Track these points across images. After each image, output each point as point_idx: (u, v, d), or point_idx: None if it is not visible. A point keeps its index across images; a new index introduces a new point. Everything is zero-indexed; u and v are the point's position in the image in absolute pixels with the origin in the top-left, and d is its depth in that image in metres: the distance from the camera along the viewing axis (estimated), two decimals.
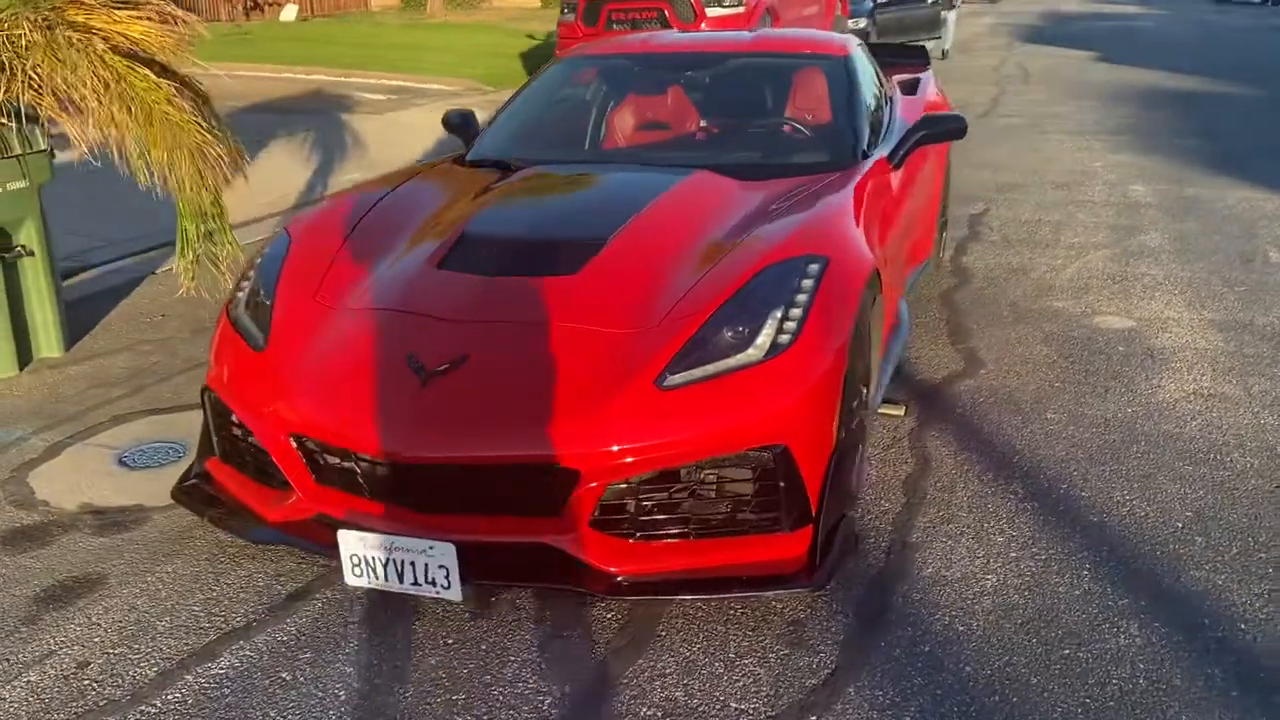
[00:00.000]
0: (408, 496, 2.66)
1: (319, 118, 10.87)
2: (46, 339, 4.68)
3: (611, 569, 2.60)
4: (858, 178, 3.73)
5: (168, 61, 4.59)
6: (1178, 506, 3.22)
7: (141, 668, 2.56)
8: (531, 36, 18.70)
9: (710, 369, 2.65)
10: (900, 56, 6.08)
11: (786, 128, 4.31)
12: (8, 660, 2.60)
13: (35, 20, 3.93)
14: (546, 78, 4.59)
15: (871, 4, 17.48)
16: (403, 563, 2.57)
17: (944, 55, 17.23)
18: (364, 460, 2.66)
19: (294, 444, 2.80)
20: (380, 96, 12.80)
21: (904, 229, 4.29)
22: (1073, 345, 4.59)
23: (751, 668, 2.52)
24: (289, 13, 23.66)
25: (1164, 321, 4.87)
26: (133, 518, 3.28)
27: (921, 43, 16.80)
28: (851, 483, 3.01)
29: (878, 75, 4.95)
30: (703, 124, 4.43)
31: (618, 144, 4.38)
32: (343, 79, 14.15)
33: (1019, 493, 3.32)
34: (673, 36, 5.37)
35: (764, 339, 2.70)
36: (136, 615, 2.77)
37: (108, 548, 3.11)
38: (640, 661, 2.56)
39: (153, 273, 5.87)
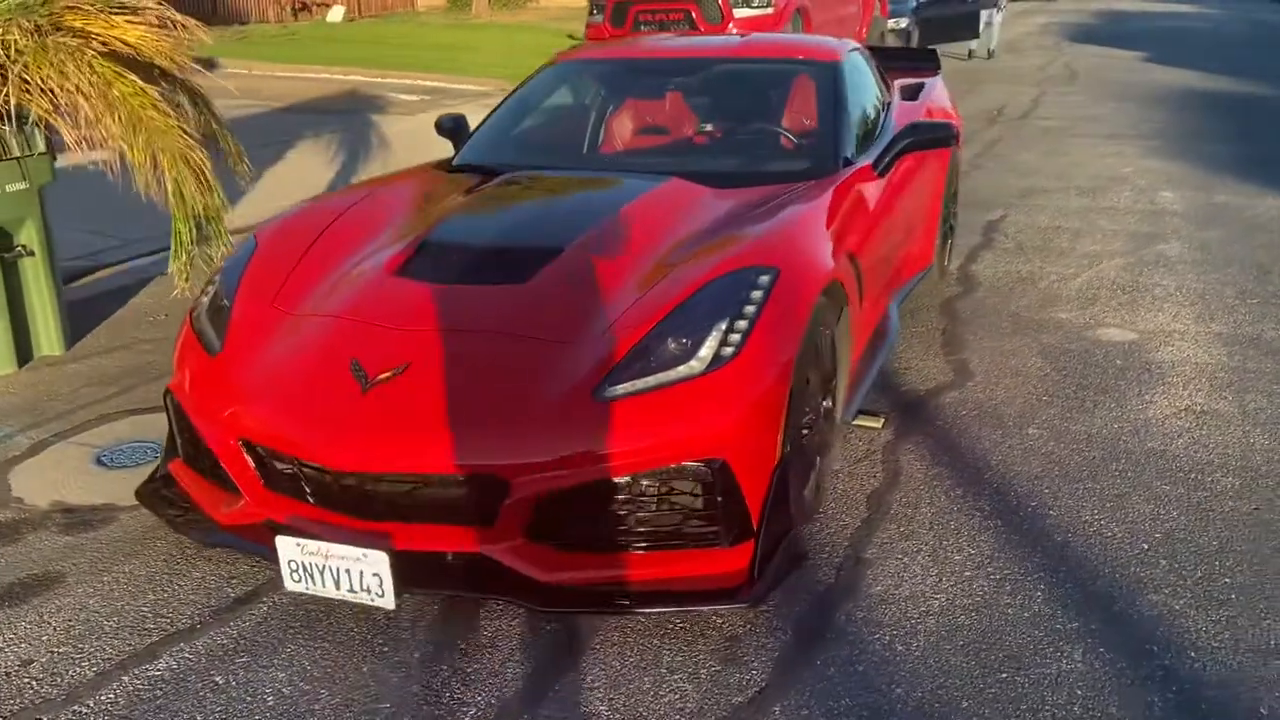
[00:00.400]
0: (346, 504, 2.67)
1: (349, 118, 10.99)
2: (47, 337, 4.78)
3: (547, 579, 2.60)
4: (835, 186, 3.68)
5: (167, 66, 4.67)
6: (1147, 527, 3.14)
7: (82, 667, 2.60)
8: (572, 37, 18.72)
9: (651, 380, 2.63)
10: (910, 60, 5.99)
11: (768, 134, 4.27)
12: None
13: (26, 26, 4.01)
14: (535, 82, 4.59)
15: (915, 3, 17.29)
16: (338, 570, 2.58)
17: (989, 55, 16.98)
18: (305, 466, 2.68)
19: (243, 449, 2.82)
20: (414, 97, 12.90)
21: (892, 237, 4.23)
22: (1069, 358, 4.49)
23: (680, 683, 2.49)
24: (336, 14, 23.94)
25: (1168, 334, 4.74)
26: (100, 517, 3.33)
27: (967, 43, 16.70)
28: (803, 498, 2.97)
29: (880, 80, 4.89)
30: (685, 130, 4.40)
31: (600, 150, 4.37)
32: (379, 79, 14.28)
33: (985, 510, 3.26)
34: (665, 41, 5.34)
35: (707, 351, 2.67)
36: (86, 615, 2.82)
37: (71, 546, 3.16)
38: (571, 674, 2.54)
39: (162, 273, 5.95)
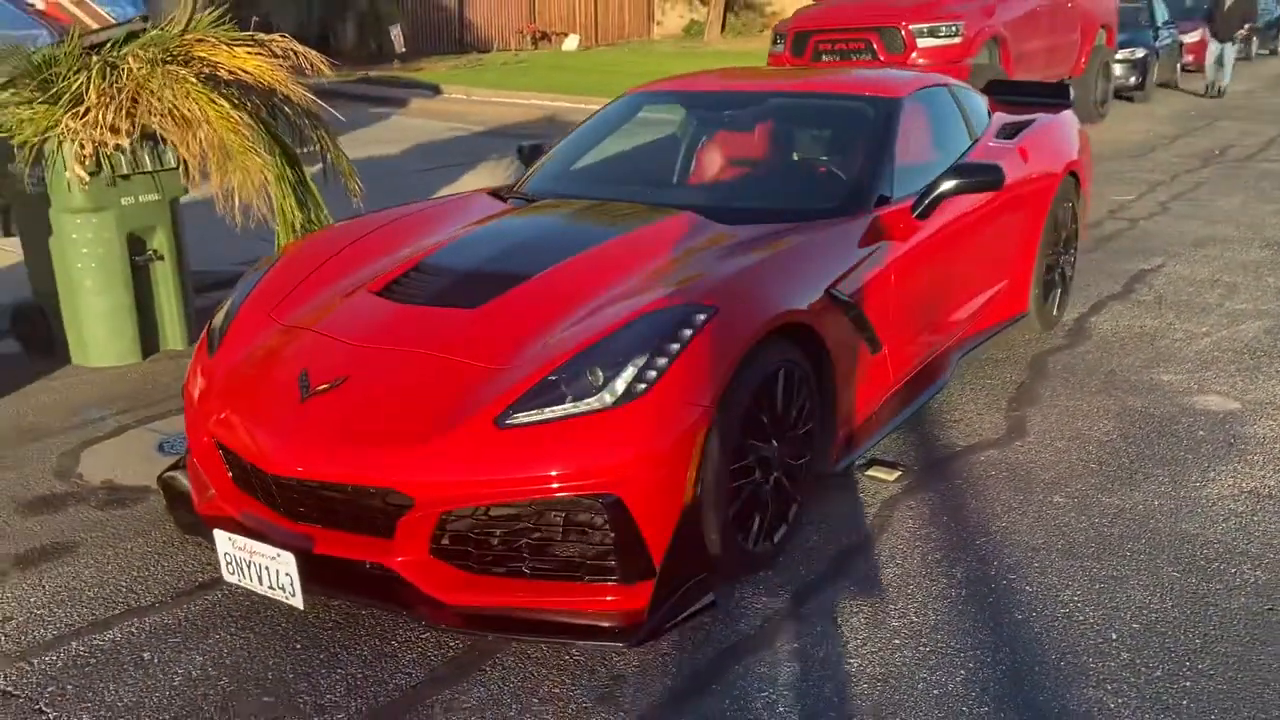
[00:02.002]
0: (282, 504, 2.85)
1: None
2: (173, 333, 5.31)
3: (444, 598, 2.66)
4: (850, 225, 3.57)
5: (289, 92, 5.10)
6: (1128, 616, 2.83)
7: (45, 630, 2.90)
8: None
9: (557, 411, 2.65)
10: (1039, 95, 5.64)
11: (805, 170, 4.16)
12: None
13: (144, 55, 4.52)
14: (604, 113, 4.68)
15: (1159, 32, 16.12)
16: (259, 566, 2.76)
17: (1219, 93, 15.56)
18: (248, 466, 2.88)
19: (215, 445, 3.07)
20: None
21: (942, 282, 4.02)
22: (1147, 424, 4.09)
23: (545, 715, 2.49)
24: (571, 42, 25.06)
25: (1277, 407, 4.23)
26: (135, 498, 3.69)
27: (1204, 77, 15.41)
28: (734, 543, 2.88)
29: (968, 118, 4.65)
30: (726, 163, 4.36)
31: (637, 181, 4.39)
32: (582, 105, 14.79)
33: (954, 578, 3.04)
34: (736, 76, 5.28)
35: (620, 385, 2.66)
36: (76, 583, 3.14)
37: (98, 521, 3.52)
38: (447, 691, 2.60)
39: None
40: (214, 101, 4.44)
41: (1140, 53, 15.30)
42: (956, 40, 10.44)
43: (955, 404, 4.35)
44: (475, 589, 2.68)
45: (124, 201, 4.94)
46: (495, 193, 4.36)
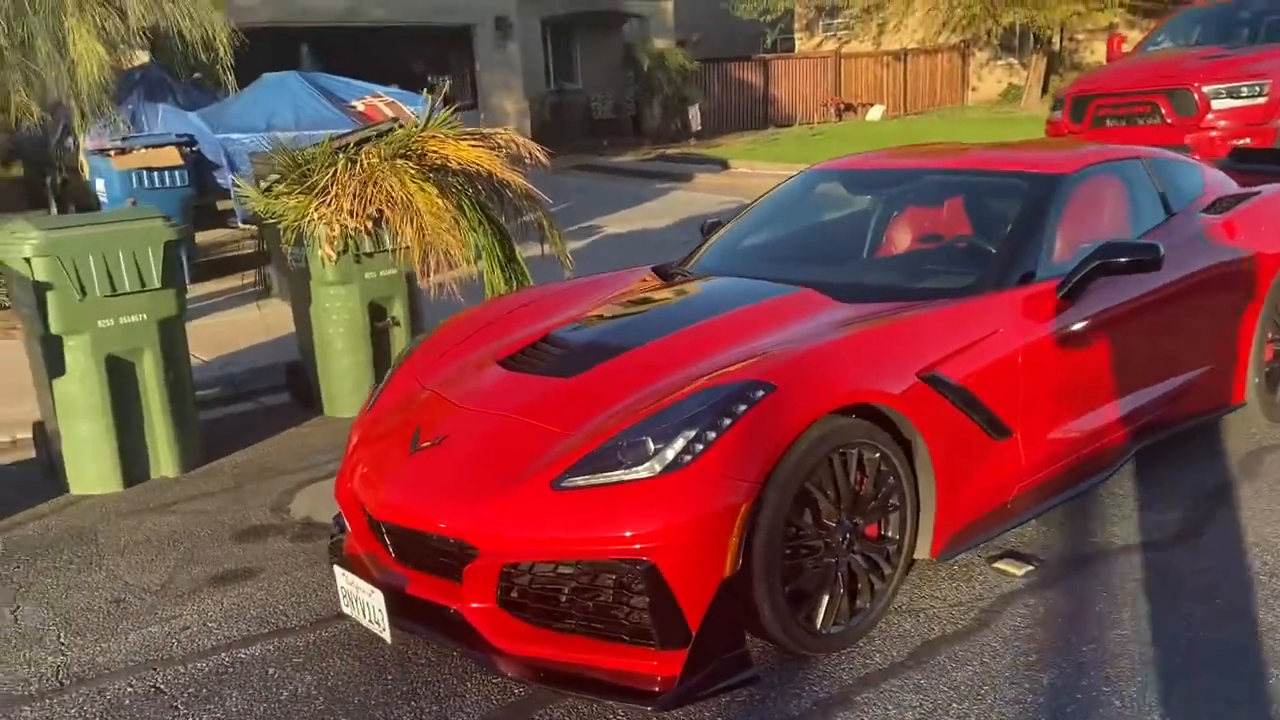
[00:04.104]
0: (388, 547, 3.20)
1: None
2: None
3: (505, 646, 2.88)
4: (977, 305, 3.47)
5: (508, 179, 5.66)
6: None
7: (208, 639, 3.41)
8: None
9: (605, 477, 2.81)
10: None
11: (941, 247, 4.03)
12: (143, 601, 3.63)
13: (378, 151, 5.21)
14: (782, 190, 4.79)
15: None
16: (360, 601, 3.12)
17: None
18: (366, 511, 3.26)
19: (353, 491, 3.49)
20: None
21: (1099, 366, 3.77)
22: None
23: None
24: (875, 112, 25.01)
25: None
26: (322, 533, 4.21)
27: None
28: (793, 622, 2.88)
29: (1160, 192, 4.32)
30: (869, 240, 4.31)
31: (791, 259, 4.41)
32: None
33: (1039, 684, 2.85)
34: (911, 152, 5.15)
35: (669, 455, 2.78)
36: (247, 602, 3.66)
37: (286, 551, 4.08)
38: None
39: None
40: (422, 188, 5.04)
41: None
42: (1261, 101, 9.49)
43: (1133, 498, 4.01)
44: (533, 640, 2.87)
45: (367, 275, 5.68)
46: (662, 269, 4.57)
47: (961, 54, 27.83)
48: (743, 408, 2.83)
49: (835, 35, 28.44)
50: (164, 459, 5.03)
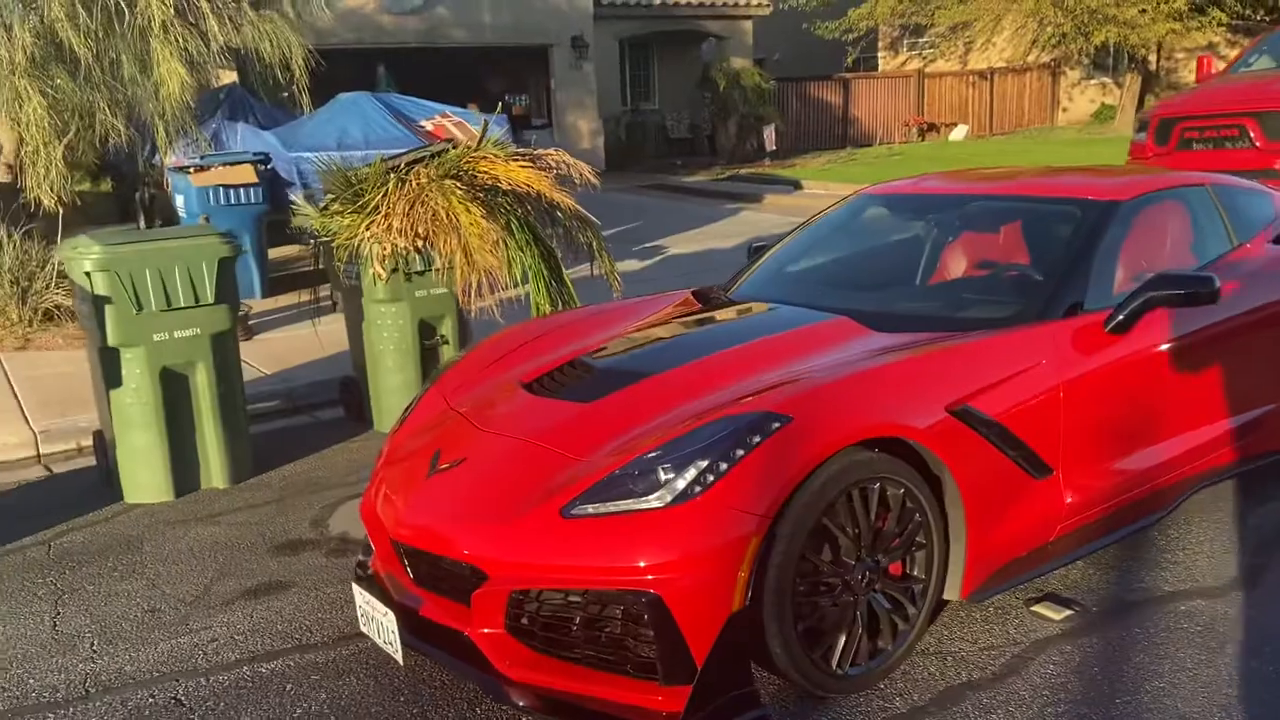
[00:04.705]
0: (407, 567, 3.20)
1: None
2: None
3: (511, 673, 2.84)
4: (1016, 337, 3.34)
5: (557, 199, 5.67)
6: None
7: (232, 652, 3.45)
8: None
9: (618, 506, 2.76)
10: None
11: (985, 276, 3.89)
12: (177, 611, 3.68)
13: (427, 171, 5.26)
14: (831, 215, 4.70)
15: None
16: (377, 621, 3.12)
17: None
18: (384, 531, 3.27)
19: (376, 510, 3.49)
20: None
21: (1152, 402, 3.60)
22: None
23: None
24: (958, 133, 24.60)
25: None
26: (355, 550, 4.24)
27: None
28: (806, 660, 2.79)
29: (1226, 220, 4.13)
30: (915, 267, 4.18)
31: (834, 285, 4.31)
32: None
33: None
34: (964, 176, 4.98)
35: (680, 485, 2.72)
36: (274, 616, 3.68)
37: (319, 567, 4.11)
38: None
39: None
40: (468, 209, 5.07)
41: None
42: None
43: (1188, 542, 3.82)
44: (540, 668, 2.83)
45: (417, 294, 5.73)
46: (702, 292, 4.51)
47: (1052, 73, 27.23)
48: (757, 439, 2.76)
49: (920, 54, 28.04)
50: (214, 470, 5.13)
